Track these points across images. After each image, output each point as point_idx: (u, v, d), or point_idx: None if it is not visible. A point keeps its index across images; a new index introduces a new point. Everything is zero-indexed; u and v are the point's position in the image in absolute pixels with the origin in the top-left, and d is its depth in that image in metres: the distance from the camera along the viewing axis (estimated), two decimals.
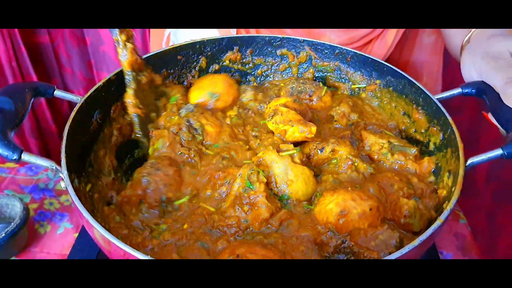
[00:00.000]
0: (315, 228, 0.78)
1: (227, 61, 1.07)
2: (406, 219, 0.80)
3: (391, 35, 1.23)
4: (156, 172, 0.86)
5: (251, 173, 0.81)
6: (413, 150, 0.92)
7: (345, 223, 0.77)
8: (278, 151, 0.86)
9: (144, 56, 0.96)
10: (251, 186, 0.80)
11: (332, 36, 1.22)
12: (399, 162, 0.92)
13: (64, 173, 0.72)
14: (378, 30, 1.24)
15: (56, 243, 1.02)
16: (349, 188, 0.82)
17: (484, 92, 0.87)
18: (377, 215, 0.78)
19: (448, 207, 0.74)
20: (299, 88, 1.04)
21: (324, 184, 0.86)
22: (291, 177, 0.83)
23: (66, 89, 1.93)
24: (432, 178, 0.89)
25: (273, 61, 1.09)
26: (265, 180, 0.81)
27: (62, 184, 0.72)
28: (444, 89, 0.96)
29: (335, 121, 1.01)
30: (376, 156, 0.93)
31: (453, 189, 0.78)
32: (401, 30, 1.24)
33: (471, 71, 0.91)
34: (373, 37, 1.24)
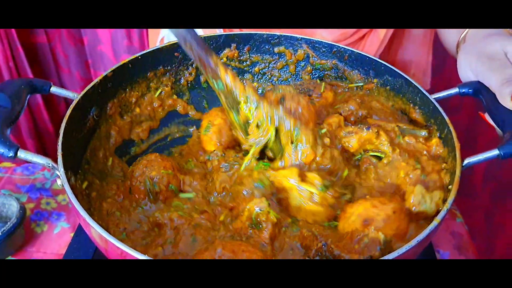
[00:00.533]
0: (302, 231, 0.77)
1: (225, 58, 1.07)
2: (417, 208, 0.78)
3: (383, 29, 1.23)
4: (139, 162, 0.87)
5: (260, 213, 0.76)
6: (423, 132, 0.91)
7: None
8: (302, 179, 0.81)
9: (141, 53, 0.96)
10: (257, 226, 0.76)
11: (324, 33, 1.21)
12: (409, 142, 0.90)
13: (60, 171, 0.71)
14: None
15: (53, 243, 1.01)
16: (367, 197, 0.80)
17: (480, 92, 0.87)
18: (403, 216, 0.76)
19: (445, 207, 0.73)
20: (297, 91, 1.03)
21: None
22: (302, 215, 0.80)
23: (63, 88, 1.92)
24: (443, 153, 0.87)
25: (271, 58, 1.09)
26: (275, 220, 0.76)
27: (59, 182, 0.72)
28: (441, 89, 0.96)
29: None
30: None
31: (449, 187, 0.78)
32: None
33: (467, 71, 0.91)
34: (365, 32, 1.24)
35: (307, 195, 0.80)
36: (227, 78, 0.84)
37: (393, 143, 0.90)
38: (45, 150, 1.88)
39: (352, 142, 0.90)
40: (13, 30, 1.66)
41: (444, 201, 0.78)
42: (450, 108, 1.73)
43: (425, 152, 0.89)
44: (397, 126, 0.92)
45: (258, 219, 0.76)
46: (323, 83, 1.04)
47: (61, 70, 1.89)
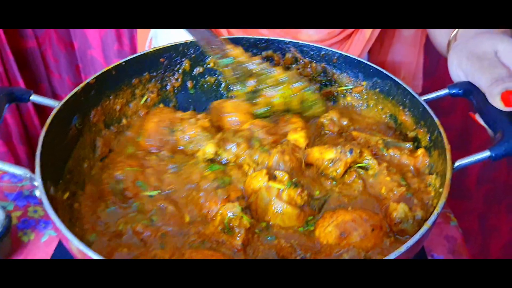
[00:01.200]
0: (279, 241, 0.76)
1: (212, 63, 1.05)
2: (398, 226, 0.77)
3: (368, 29, 1.22)
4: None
5: (233, 218, 0.76)
6: (408, 145, 0.91)
7: (347, 245, 0.74)
8: (270, 178, 0.80)
9: (125, 60, 0.95)
10: (229, 232, 0.75)
11: (310, 32, 1.20)
12: (394, 155, 0.89)
13: (38, 182, 0.70)
14: None
15: (40, 252, 1.00)
16: (349, 208, 0.79)
17: (470, 93, 0.86)
18: (381, 234, 0.75)
19: (436, 211, 0.72)
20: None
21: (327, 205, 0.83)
22: (270, 214, 0.79)
23: (54, 94, 1.92)
24: (427, 171, 0.87)
25: None
26: (248, 225, 0.76)
27: (37, 193, 0.70)
28: (434, 90, 0.95)
29: (326, 132, 0.97)
30: (374, 151, 0.90)
31: (440, 190, 0.77)
32: None
33: (458, 71, 0.90)
34: (351, 31, 1.23)
35: (275, 192, 0.79)
36: (236, 51, 0.94)
37: (378, 157, 0.89)
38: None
39: (339, 169, 0.86)
40: (2, 35, 1.65)
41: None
42: (443, 109, 1.73)
43: (411, 168, 0.88)
44: (382, 139, 0.91)
45: (231, 224, 0.75)
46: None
47: (51, 75, 1.88)
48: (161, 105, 1.04)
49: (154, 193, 0.83)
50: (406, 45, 1.38)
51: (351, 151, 0.86)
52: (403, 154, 0.89)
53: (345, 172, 0.87)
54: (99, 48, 1.78)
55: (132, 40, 1.76)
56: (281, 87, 0.94)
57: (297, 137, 0.90)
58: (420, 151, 0.89)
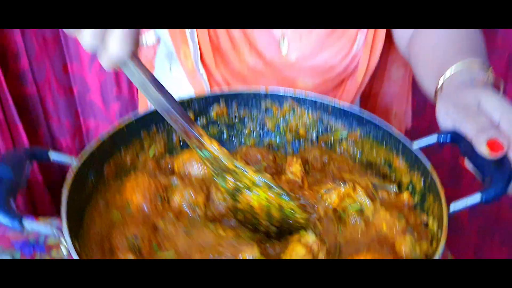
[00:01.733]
0: None
1: (214, 114, 1.10)
2: (408, 257, 0.81)
3: (361, 74, 1.31)
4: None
5: None
6: (393, 186, 0.97)
7: None
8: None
9: (137, 117, 0.98)
10: None
11: (306, 79, 1.27)
12: (383, 197, 0.95)
13: (68, 241, 0.73)
14: (349, 70, 1.32)
15: None
16: (368, 249, 0.82)
17: (458, 140, 0.91)
18: None
19: (437, 254, 0.76)
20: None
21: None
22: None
23: (52, 137, 1.94)
24: (419, 209, 0.92)
25: (258, 113, 1.12)
26: None
27: (64, 251, 0.73)
28: (422, 129, 1.00)
29: (310, 167, 1.04)
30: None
31: (438, 233, 0.81)
32: (371, 69, 1.33)
33: (445, 119, 0.95)
34: (344, 77, 1.32)
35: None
36: (212, 146, 0.85)
37: (371, 195, 0.94)
38: (34, 202, 1.88)
39: (333, 198, 0.92)
40: (3, 81, 1.68)
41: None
42: (433, 146, 1.77)
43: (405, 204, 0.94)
44: (370, 182, 0.97)
45: None
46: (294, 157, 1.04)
47: (50, 119, 1.90)
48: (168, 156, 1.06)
49: (171, 253, 0.81)
50: (395, 86, 1.45)
51: (344, 182, 0.92)
52: (390, 197, 0.95)
53: (338, 214, 0.92)
54: (98, 92, 1.82)
55: (131, 85, 1.80)
56: (257, 191, 0.87)
57: (294, 170, 0.97)
58: (406, 195, 0.95)
